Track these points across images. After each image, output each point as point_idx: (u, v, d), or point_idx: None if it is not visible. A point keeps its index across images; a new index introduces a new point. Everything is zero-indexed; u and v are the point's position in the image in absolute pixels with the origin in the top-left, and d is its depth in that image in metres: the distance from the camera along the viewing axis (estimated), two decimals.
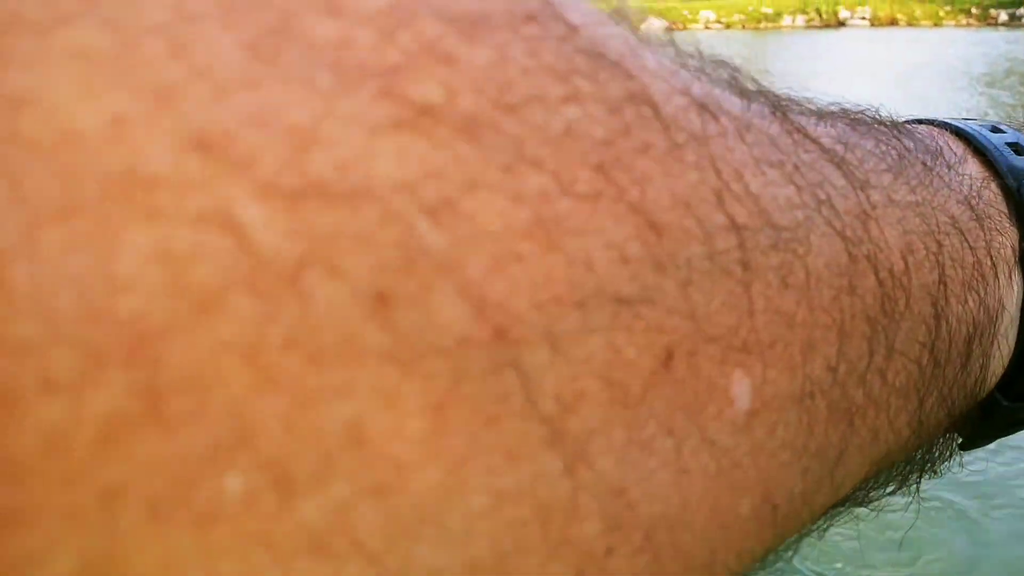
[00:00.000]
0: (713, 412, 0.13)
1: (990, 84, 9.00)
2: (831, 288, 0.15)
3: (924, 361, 0.17)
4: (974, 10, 21.19)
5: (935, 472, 0.21)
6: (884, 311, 0.16)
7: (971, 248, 0.19)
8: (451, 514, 0.10)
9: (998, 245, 0.20)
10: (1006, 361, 0.21)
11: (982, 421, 0.22)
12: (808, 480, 0.15)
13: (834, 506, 0.17)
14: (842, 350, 0.15)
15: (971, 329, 0.19)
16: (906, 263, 0.17)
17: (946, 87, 8.66)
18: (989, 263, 0.20)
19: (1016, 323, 0.21)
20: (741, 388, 0.13)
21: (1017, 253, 0.21)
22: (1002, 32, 16.03)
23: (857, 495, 0.18)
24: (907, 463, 0.20)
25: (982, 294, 0.19)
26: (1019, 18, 17.14)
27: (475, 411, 0.10)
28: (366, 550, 0.09)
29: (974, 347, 0.19)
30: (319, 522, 0.09)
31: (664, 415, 0.12)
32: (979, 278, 0.19)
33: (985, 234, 0.20)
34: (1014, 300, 0.21)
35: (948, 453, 0.21)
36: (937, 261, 0.18)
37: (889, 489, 0.20)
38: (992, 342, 0.20)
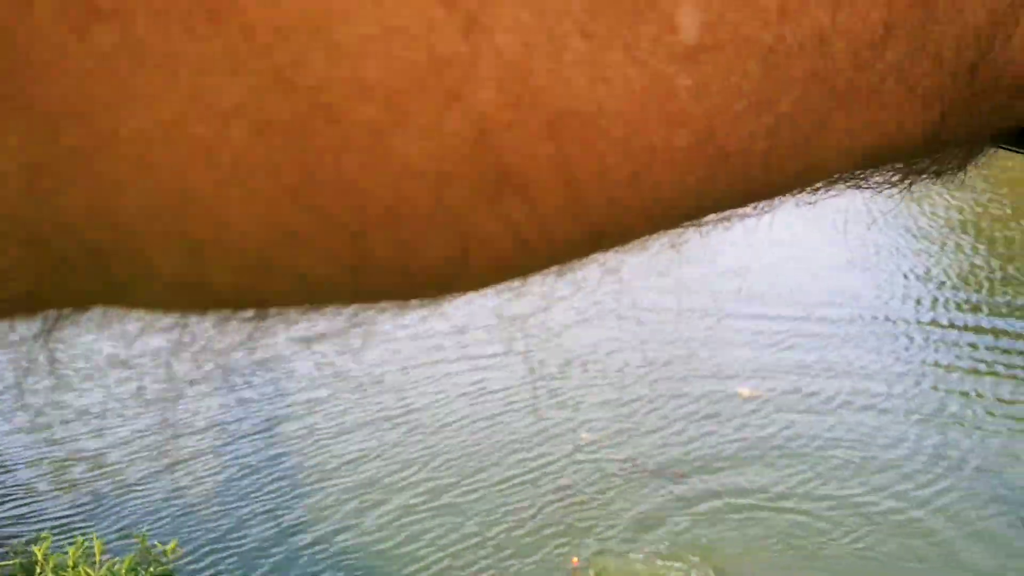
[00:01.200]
0: (649, 33, 0.13)
1: None
2: None
3: (960, 75, 0.16)
4: None
5: (957, 174, 0.20)
6: (912, 5, 0.15)
7: None
8: (342, 30, 0.11)
9: None
10: None
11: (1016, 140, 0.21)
12: (775, 140, 0.15)
13: (815, 176, 0.16)
14: (842, 26, 0.14)
15: None
16: None
17: None
18: None
19: None
20: (688, 19, 0.13)
21: None
22: None
23: (847, 175, 0.18)
24: (918, 162, 0.19)
25: None
26: None
27: None
28: (255, 36, 0.11)
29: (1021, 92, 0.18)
30: None
31: (582, 19, 0.12)
32: None
33: None
34: None
35: (974, 159, 0.20)
36: None
37: (891, 179, 0.19)
38: None
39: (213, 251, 0.12)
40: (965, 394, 3.54)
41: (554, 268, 0.15)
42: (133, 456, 3.24)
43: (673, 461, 3.19)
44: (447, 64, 0.12)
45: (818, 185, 0.17)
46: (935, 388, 3.62)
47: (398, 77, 0.11)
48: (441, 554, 2.81)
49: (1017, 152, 0.21)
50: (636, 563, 2.71)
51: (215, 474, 3.20)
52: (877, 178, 0.19)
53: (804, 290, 4.57)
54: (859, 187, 0.19)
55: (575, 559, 2.72)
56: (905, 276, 4.76)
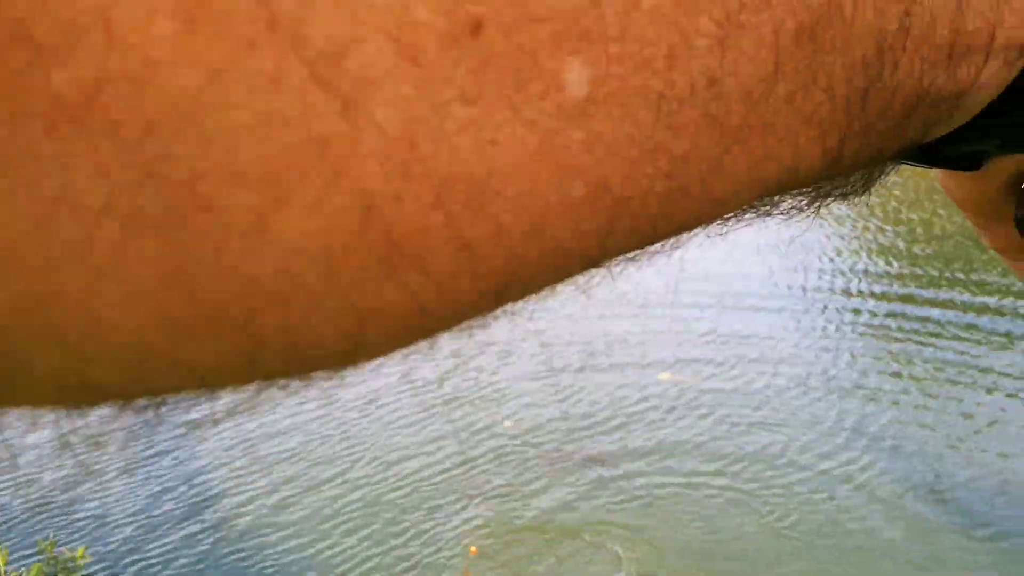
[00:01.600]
0: (535, 92, 0.13)
1: None
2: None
3: (852, 103, 0.17)
4: None
5: (863, 192, 0.21)
6: (799, 41, 0.15)
7: (968, 12, 0.18)
8: (212, 120, 0.11)
9: (1009, 26, 0.19)
10: (960, 122, 0.20)
11: (915, 156, 0.22)
12: (673, 183, 0.15)
13: (719, 212, 0.17)
14: (731, 67, 0.15)
15: (928, 94, 0.18)
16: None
17: None
18: (985, 36, 0.18)
19: (990, 97, 0.20)
20: (575, 75, 0.13)
21: None
22: None
23: (751, 207, 0.18)
24: (821, 187, 0.20)
25: (955, 66, 0.18)
26: None
27: (228, 28, 0.11)
28: (120, 133, 0.11)
29: (922, 110, 0.19)
30: (70, 94, 0.10)
31: (467, 84, 0.12)
32: (963, 49, 0.18)
33: (994, 13, 0.19)
34: (998, 80, 0.20)
35: (877, 179, 0.21)
36: (906, 12, 0.17)
37: (800, 204, 0.20)
38: (951, 112, 0.20)
39: (90, 347, 0.12)
40: (881, 366, 3.66)
41: (460, 328, 0.15)
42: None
43: (599, 448, 3.22)
44: (326, 144, 0.12)
45: (726, 218, 0.18)
46: (852, 361, 3.73)
47: (275, 161, 0.11)
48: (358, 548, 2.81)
49: (918, 167, 0.22)
50: (538, 543, 2.73)
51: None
52: (785, 205, 0.19)
53: (721, 273, 4.67)
54: (769, 215, 0.19)
55: (473, 549, 2.73)
56: (820, 257, 4.91)
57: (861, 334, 3.99)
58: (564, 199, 0.14)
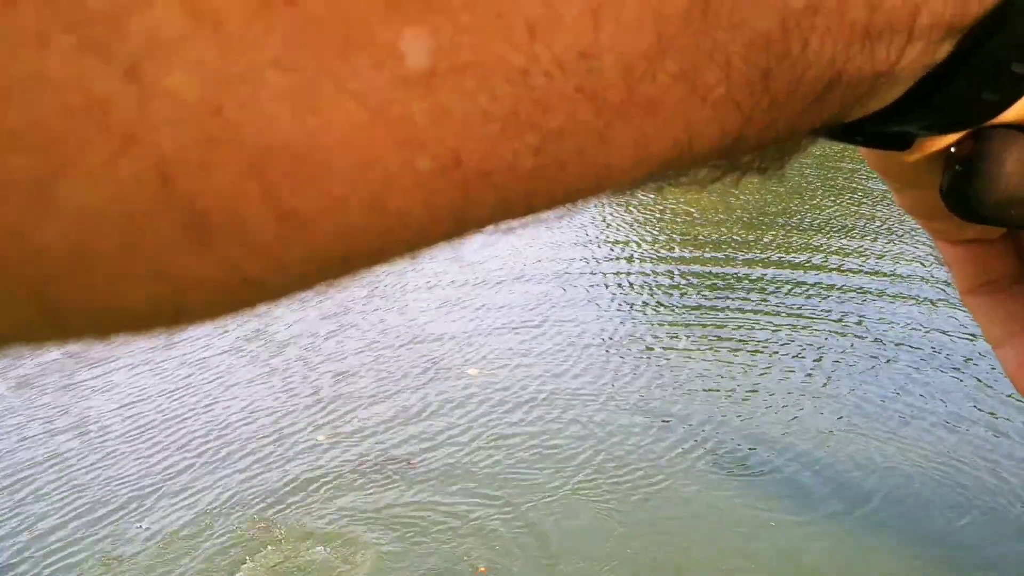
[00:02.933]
0: (368, 62, 0.12)
1: None
2: None
3: (753, 83, 0.16)
4: None
5: (779, 167, 0.20)
6: (689, 16, 0.15)
7: None
8: None
9: (933, 6, 0.18)
10: (885, 103, 0.20)
11: (838, 133, 0.21)
12: (545, 159, 0.14)
13: (602, 186, 0.16)
14: (608, 41, 0.14)
15: (843, 76, 0.17)
16: None
17: None
18: (906, 15, 0.17)
19: (917, 76, 0.19)
20: (416, 45, 0.12)
21: (966, 21, 0.18)
22: None
23: (651, 179, 0.17)
24: (730, 162, 0.19)
25: (872, 47, 0.17)
26: None
27: None
28: None
29: (836, 92, 0.18)
30: None
31: (282, 52, 0.12)
32: (881, 30, 0.17)
33: None
34: (923, 62, 0.19)
35: (793, 154, 0.20)
36: None
37: (707, 176, 0.19)
38: (871, 93, 0.19)
39: None
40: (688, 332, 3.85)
41: (296, 296, 0.15)
42: None
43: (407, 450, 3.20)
44: (108, 109, 0.11)
45: (621, 190, 0.17)
46: (653, 334, 3.90)
47: (51, 124, 0.11)
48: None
49: (841, 143, 0.22)
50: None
51: None
52: (692, 176, 0.19)
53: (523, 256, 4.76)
54: (677, 185, 0.19)
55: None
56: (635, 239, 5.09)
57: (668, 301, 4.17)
58: (408, 173, 0.13)
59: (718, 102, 0.16)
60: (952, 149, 0.23)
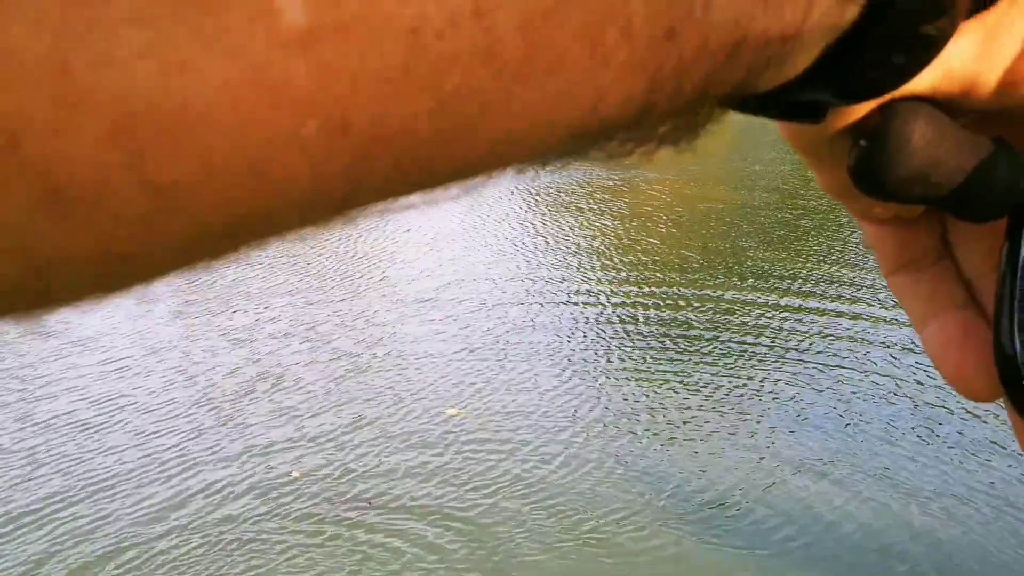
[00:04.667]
0: (238, 19, 0.11)
1: None
2: None
3: (657, 44, 0.15)
4: None
5: (690, 139, 0.19)
6: None
7: None
8: None
9: None
10: (797, 70, 0.19)
11: (756, 105, 0.21)
12: (441, 123, 0.14)
13: (507, 154, 0.15)
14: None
15: (748, 37, 0.17)
16: None
17: None
18: None
19: (832, 35, 0.19)
20: (292, 1, 0.12)
21: None
22: None
23: (558, 152, 0.17)
24: (640, 133, 0.18)
25: (778, 7, 0.17)
26: None
27: None
28: None
29: (743, 54, 0.17)
30: None
31: (137, 5, 0.11)
32: None
33: None
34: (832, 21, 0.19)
35: (704, 125, 0.20)
36: None
37: (619, 149, 0.18)
38: (781, 58, 0.18)
39: None
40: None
41: (179, 273, 0.14)
42: None
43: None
44: None
45: (528, 162, 0.16)
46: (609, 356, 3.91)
47: None
48: None
49: (755, 116, 0.21)
50: None
51: None
52: (606, 148, 0.18)
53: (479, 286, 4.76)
54: (586, 158, 0.18)
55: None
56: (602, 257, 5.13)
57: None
58: (291, 138, 0.12)
59: (622, 65, 0.15)
60: (860, 123, 0.23)
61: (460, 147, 0.14)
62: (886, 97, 0.22)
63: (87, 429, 3.54)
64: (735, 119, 0.22)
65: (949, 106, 0.23)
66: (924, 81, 0.22)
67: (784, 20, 0.17)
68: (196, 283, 5.17)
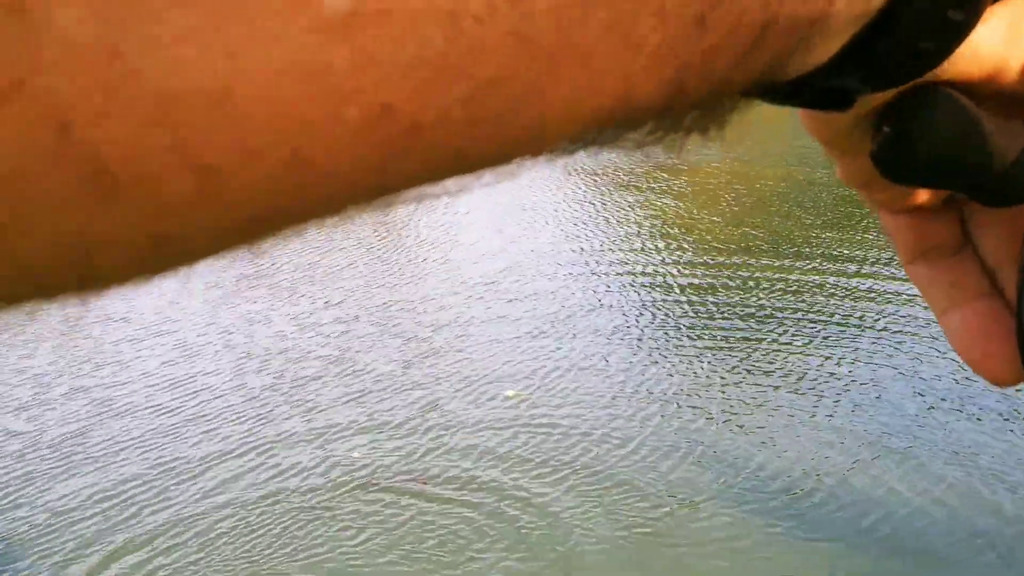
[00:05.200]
0: (283, 5, 0.12)
1: None
2: None
3: (688, 30, 0.16)
4: None
5: (719, 127, 0.20)
6: None
7: None
8: None
9: None
10: (824, 57, 0.19)
11: (783, 93, 0.21)
12: (477, 111, 0.14)
13: (536, 144, 0.15)
14: None
15: (777, 20, 0.17)
16: None
17: None
18: None
19: (861, 22, 0.19)
20: None
21: None
22: None
23: (589, 140, 0.17)
24: (670, 121, 0.18)
25: None
26: None
27: None
28: None
29: (771, 38, 0.17)
30: None
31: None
32: None
33: None
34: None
35: (732, 113, 0.20)
36: None
37: (648, 138, 0.18)
38: (809, 42, 0.18)
39: None
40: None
41: (217, 257, 0.14)
42: None
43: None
44: None
45: (553, 149, 0.16)
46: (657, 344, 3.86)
47: None
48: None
49: (782, 105, 0.21)
50: None
51: None
52: (634, 137, 0.18)
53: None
54: (615, 147, 0.18)
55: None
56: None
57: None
58: (332, 125, 0.13)
59: (654, 50, 0.15)
60: (884, 110, 0.23)
61: (496, 133, 0.14)
62: (912, 84, 0.22)
63: (163, 413, 3.61)
64: None
65: (975, 92, 0.23)
66: (951, 67, 0.22)
67: (812, 3, 0.18)
68: (262, 269, 5.24)
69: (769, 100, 0.21)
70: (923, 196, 0.27)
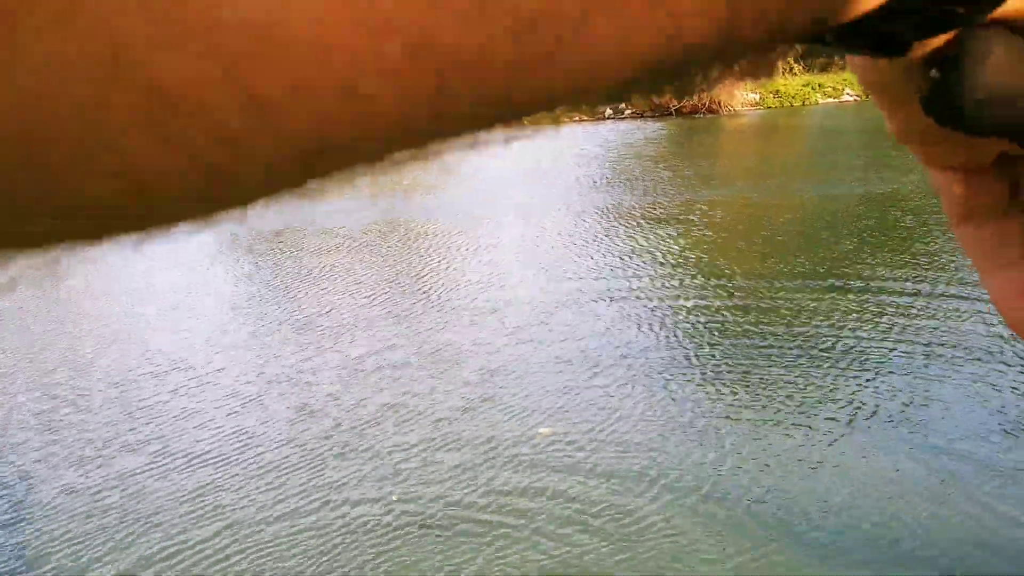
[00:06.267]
0: None
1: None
2: None
3: None
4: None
5: (769, 71, 0.19)
6: None
7: None
8: None
9: None
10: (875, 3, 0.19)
11: (835, 37, 0.20)
12: (523, 47, 0.13)
13: (586, 84, 0.15)
14: None
15: None
16: None
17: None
18: None
19: None
20: None
21: None
22: (609, 124, 18.46)
23: (639, 83, 0.16)
24: (721, 63, 0.17)
25: None
26: (622, 112, 19.74)
27: None
28: None
29: None
30: None
31: None
32: None
33: None
34: None
35: (782, 56, 0.19)
36: None
37: (698, 81, 0.18)
38: None
39: None
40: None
41: (272, 196, 0.14)
42: None
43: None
44: None
45: (600, 93, 0.15)
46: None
47: None
48: None
49: (833, 51, 0.21)
50: None
51: None
52: (684, 77, 0.17)
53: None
54: (666, 91, 0.17)
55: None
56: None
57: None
58: (375, 57, 0.12)
59: None
60: (936, 54, 0.22)
61: (539, 73, 0.14)
62: (963, 27, 0.21)
63: (213, 463, 3.57)
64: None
65: None
66: (1004, 8, 0.21)
67: None
68: (311, 316, 5.22)
69: (818, 43, 0.20)
70: (974, 154, 0.27)
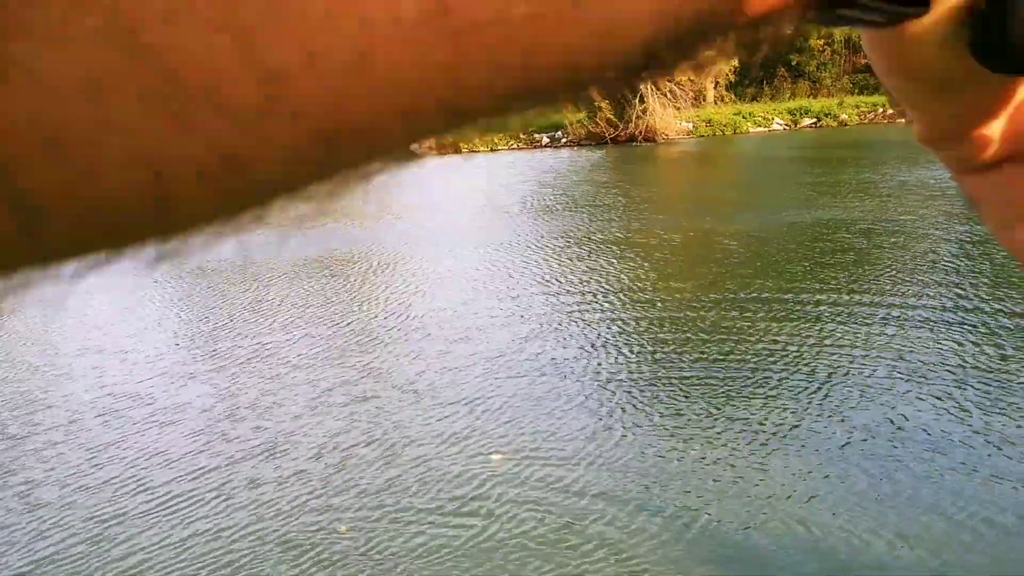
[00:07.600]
0: None
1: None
2: None
3: None
4: (522, 135, 22.86)
5: (788, 41, 0.18)
6: None
7: None
8: None
9: None
10: None
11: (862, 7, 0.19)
12: (537, 7, 0.13)
13: (608, 46, 0.14)
14: None
15: None
16: None
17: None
18: None
19: None
20: None
21: None
22: (547, 152, 18.81)
23: (662, 56, 0.15)
24: (738, 36, 0.17)
25: None
26: (558, 140, 20.13)
27: None
28: None
29: None
30: None
31: None
32: None
33: None
34: None
35: (800, 31, 0.18)
36: None
37: (718, 53, 0.17)
38: None
39: None
40: None
41: (291, 193, 0.13)
42: None
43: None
44: None
45: (613, 65, 0.15)
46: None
47: None
48: None
49: (849, 26, 0.20)
50: None
51: None
52: (708, 42, 0.16)
53: None
54: (687, 66, 0.16)
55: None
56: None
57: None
58: (390, 21, 0.12)
59: None
60: (967, 8, 0.22)
61: (558, 37, 0.13)
62: None
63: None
64: None
65: None
66: None
67: None
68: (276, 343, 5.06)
69: (847, 8, 0.19)
70: (1009, 147, 0.25)
